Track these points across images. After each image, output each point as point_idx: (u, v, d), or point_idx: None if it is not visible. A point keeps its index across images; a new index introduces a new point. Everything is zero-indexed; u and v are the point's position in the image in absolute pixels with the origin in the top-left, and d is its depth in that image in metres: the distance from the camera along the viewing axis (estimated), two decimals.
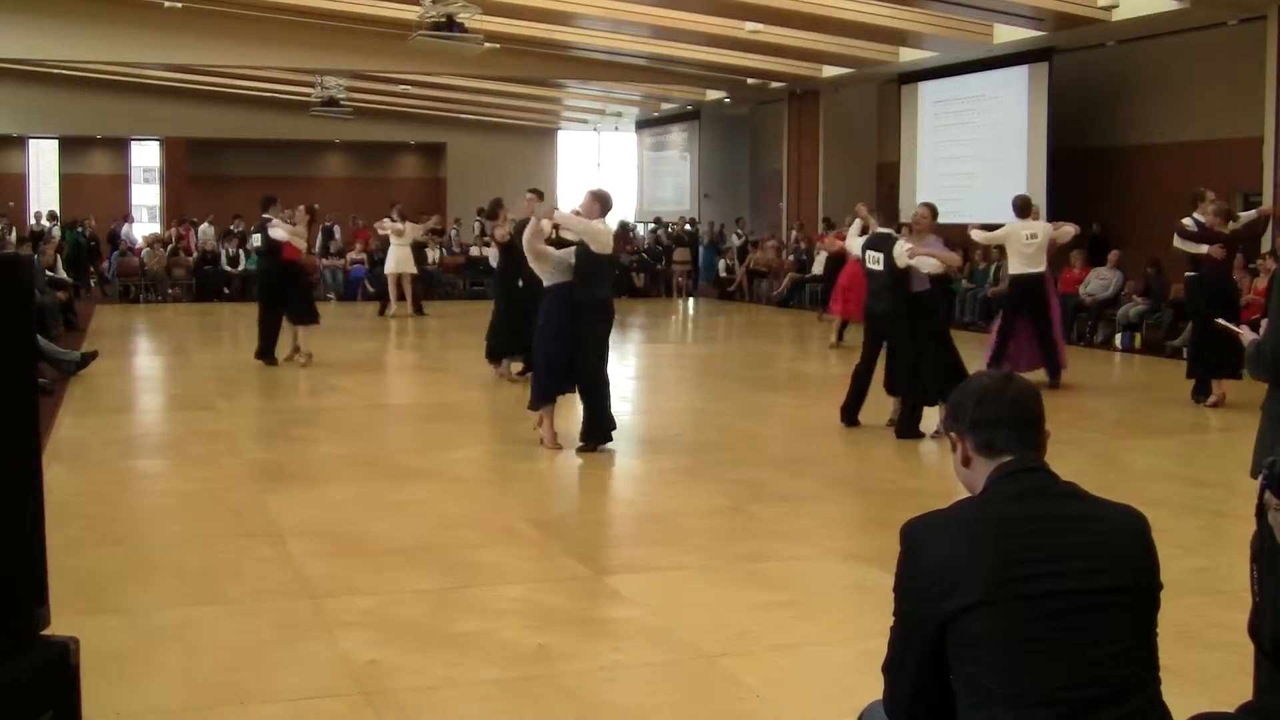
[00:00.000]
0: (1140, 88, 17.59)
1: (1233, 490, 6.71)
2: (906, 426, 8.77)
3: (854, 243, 9.69)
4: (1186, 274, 10.63)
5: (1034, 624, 2.10)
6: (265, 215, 12.63)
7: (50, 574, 2.55)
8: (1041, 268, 10.96)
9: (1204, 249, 10.20)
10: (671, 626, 4.75)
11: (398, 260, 18.15)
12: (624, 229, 23.52)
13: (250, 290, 21.94)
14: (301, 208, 13.17)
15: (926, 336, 8.79)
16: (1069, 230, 11.45)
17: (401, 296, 18.38)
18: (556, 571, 5.55)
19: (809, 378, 13.39)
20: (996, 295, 16.98)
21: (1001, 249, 13.09)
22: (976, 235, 11.68)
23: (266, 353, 12.50)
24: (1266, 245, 13.58)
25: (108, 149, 31.70)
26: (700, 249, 24.84)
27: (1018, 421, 2.27)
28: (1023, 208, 11.14)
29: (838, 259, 14.58)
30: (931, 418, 8.86)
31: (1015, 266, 11.14)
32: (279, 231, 12.26)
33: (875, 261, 8.88)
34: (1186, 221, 10.35)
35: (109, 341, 14.91)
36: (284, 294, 12.40)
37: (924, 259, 8.65)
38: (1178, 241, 10.48)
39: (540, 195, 10.23)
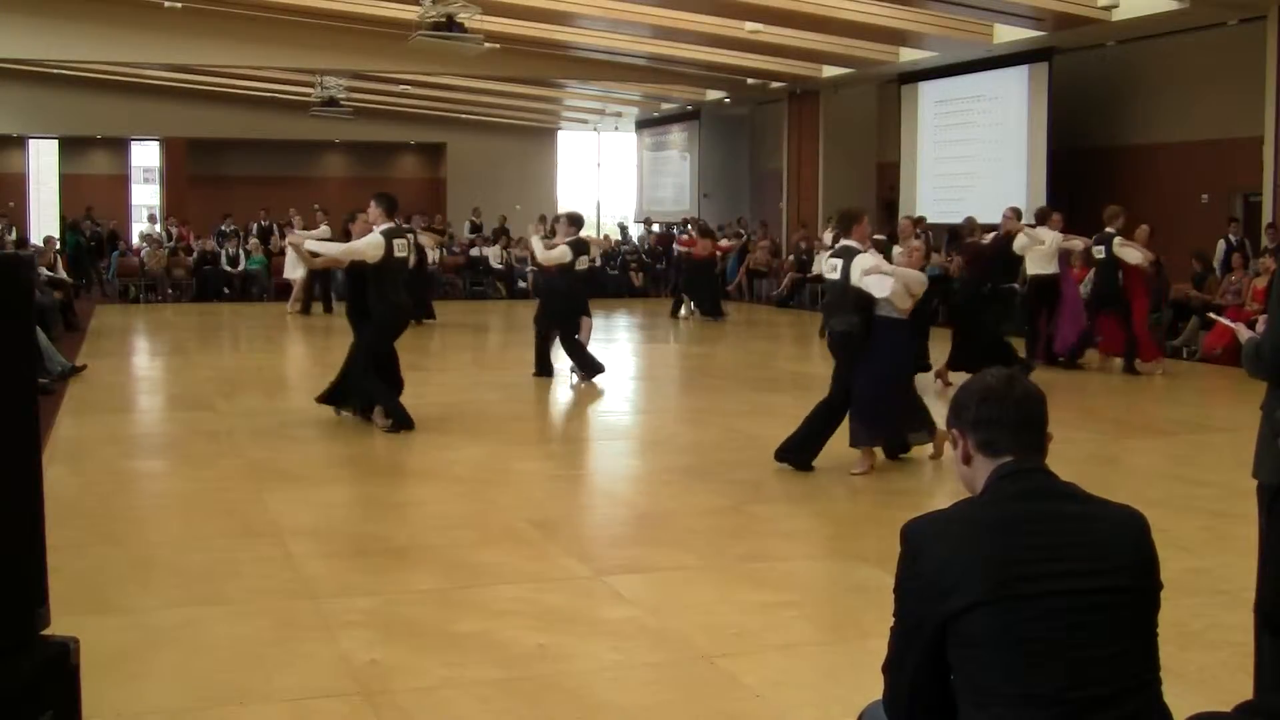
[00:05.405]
0: (1140, 88, 17.58)
1: (1233, 490, 6.70)
2: None
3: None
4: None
5: (1033, 624, 2.10)
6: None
7: (50, 574, 2.56)
8: (1054, 269, 12.35)
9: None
10: (671, 626, 4.75)
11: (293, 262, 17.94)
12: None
13: (250, 291, 22.00)
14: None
15: (995, 323, 10.63)
16: (1077, 244, 12.59)
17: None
18: (556, 571, 5.55)
19: (809, 378, 13.32)
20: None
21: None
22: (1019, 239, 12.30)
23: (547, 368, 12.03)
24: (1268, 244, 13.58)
25: (108, 149, 31.67)
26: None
27: (1019, 423, 2.27)
28: (1040, 217, 12.52)
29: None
30: None
31: (1031, 268, 12.47)
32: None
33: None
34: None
35: (109, 341, 14.91)
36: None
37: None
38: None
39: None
